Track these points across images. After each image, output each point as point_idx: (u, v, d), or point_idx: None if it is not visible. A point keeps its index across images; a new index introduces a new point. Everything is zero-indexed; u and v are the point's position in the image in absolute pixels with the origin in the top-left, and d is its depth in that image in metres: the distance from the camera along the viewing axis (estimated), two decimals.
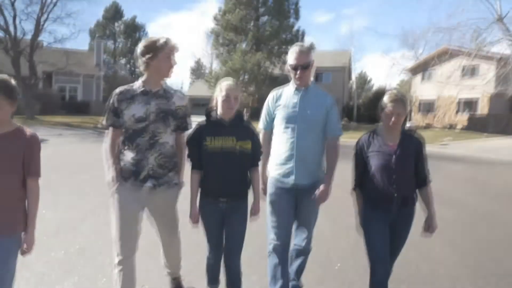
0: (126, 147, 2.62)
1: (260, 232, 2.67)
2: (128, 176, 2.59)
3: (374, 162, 2.56)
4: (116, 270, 2.55)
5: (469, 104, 28.59)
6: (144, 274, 3.21)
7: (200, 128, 2.67)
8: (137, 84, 2.65)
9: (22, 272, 3.25)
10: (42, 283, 3.17)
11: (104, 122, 2.68)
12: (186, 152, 2.75)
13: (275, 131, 2.88)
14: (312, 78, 2.87)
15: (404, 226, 2.62)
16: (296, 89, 2.83)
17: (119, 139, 2.65)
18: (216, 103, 2.68)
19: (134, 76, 41.42)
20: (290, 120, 2.77)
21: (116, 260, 2.56)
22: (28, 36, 23.90)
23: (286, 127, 2.77)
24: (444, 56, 18.38)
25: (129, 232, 2.57)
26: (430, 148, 17.03)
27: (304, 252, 2.91)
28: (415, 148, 2.58)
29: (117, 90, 2.67)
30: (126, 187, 2.59)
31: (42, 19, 23.88)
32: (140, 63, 2.62)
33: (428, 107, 32.28)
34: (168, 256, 2.89)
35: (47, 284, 3.16)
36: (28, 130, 2.27)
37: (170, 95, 2.68)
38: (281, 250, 2.75)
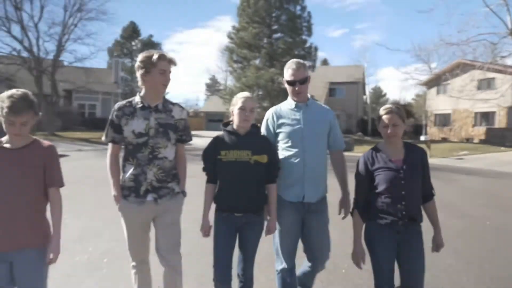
0: (127, 162, 2.63)
1: (268, 239, 2.74)
2: (128, 194, 2.60)
3: (381, 179, 2.45)
4: (133, 271, 2.77)
5: (486, 117, 28.30)
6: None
7: (216, 141, 2.65)
8: (136, 99, 2.65)
9: (50, 273, 3.54)
10: (69, 283, 3.45)
11: (103, 138, 2.71)
12: (187, 163, 2.78)
13: (279, 149, 2.78)
14: (309, 94, 2.87)
15: (417, 246, 2.47)
16: (296, 105, 2.81)
17: (121, 155, 2.69)
18: (233, 116, 2.65)
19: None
20: (295, 136, 2.73)
21: (132, 264, 2.77)
22: (50, 56, 24.95)
23: (292, 144, 2.74)
24: (458, 69, 18.40)
25: (138, 244, 2.72)
26: (445, 162, 17.01)
27: (318, 267, 2.89)
28: (420, 160, 2.50)
29: (116, 106, 2.67)
30: (129, 203, 2.60)
31: (64, 39, 24.89)
32: (138, 78, 2.63)
33: (444, 121, 32.05)
34: (168, 272, 2.64)
35: (73, 284, 3.43)
36: (45, 141, 2.31)
37: (169, 109, 2.68)
38: (289, 272, 2.76)
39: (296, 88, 2.76)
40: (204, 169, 2.68)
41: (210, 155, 2.63)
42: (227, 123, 2.70)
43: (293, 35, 30.77)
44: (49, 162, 2.24)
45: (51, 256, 2.21)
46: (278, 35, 31.67)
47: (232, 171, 2.53)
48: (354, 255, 2.54)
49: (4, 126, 2.12)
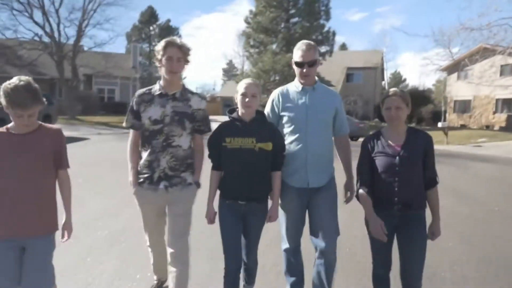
0: (143, 149, 2.68)
1: (272, 225, 2.75)
2: (143, 180, 2.66)
3: (378, 164, 2.45)
4: (149, 249, 2.97)
5: (508, 104, 27.61)
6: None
7: (221, 128, 2.63)
8: (156, 87, 2.69)
9: (74, 244, 3.86)
10: (91, 253, 3.76)
11: (124, 124, 2.77)
12: (205, 153, 2.75)
13: (285, 133, 2.74)
14: (316, 77, 2.82)
15: (413, 232, 2.44)
16: (303, 88, 2.76)
17: (140, 141, 2.73)
18: (237, 103, 2.62)
19: None
20: (299, 121, 2.70)
21: (147, 244, 2.94)
22: (71, 41, 25.44)
23: (296, 129, 2.70)
24: (478, 54, 18.00)
25: (151, 227, 2.83)
26: (462, 149, 16.82)
27: (329, 263, 2.64)
28: (422, 146, 2.44)
29: (137, 92, 2.73)
30: (143, 189, 2.66)
31: (83, 25, 25.32)
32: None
33: (464, 107, 31.42)
34: (171, 262, 2.64)
35: (96, 255, 3.73)
36: (51, 126, 2.32)
37: (187, 98, 2.68)
38: (293, 251, 2.82)
39: (304, 70, 2.70)
40: (209, 156, 2.68)
41: (214, 142, 2.61)
42: (233, 110, 2.67)
43: (311, 20, 30.47)
44: (58, 145, 2.27)
45: (66, 234, 2.31)
46: (296, 19, 31.42)
47: (236, 159, 2.52)
48: (374, 230, 2.38)
49: (11, 117, 2.12)
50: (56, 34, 24.62)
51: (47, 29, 24.38)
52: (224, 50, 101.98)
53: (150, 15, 55.73)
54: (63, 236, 2.33)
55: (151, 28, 56.25)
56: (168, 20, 58.19)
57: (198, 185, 2.75)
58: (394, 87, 2.72)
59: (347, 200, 2.85)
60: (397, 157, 2.41)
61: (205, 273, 3.40)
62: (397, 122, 2.46)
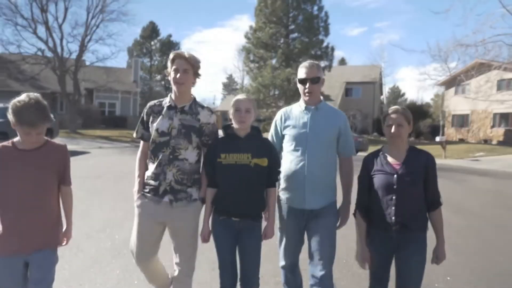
0: (150, 161, 2.66)
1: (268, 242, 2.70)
2: (148, 191, 2.63)
3: (375, 183, 2.42)
4: (140, 268, 2.82)
5: (506, 118, 27.89)
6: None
7: (215, 144, 2.61)
8: (167, 99, 2.70)
9: (78, 255, 3.96)
10: (95, 265, 3.85)
11: (134, 135, 2.79)
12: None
13: (284, 152, 2.75)
14: (321, 97, 2.81)
15: (412, 255, 2.37)
16: (306, 108, 2.74)
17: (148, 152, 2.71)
18: (231, 119, 2.61)
19: (168, 92, 43.52)
20: (300, 140, 2.67)
21: (136, 262, 2.78)
22: (73, 56, 25.78)
23: (296, 149, 2.67)
24: (473, 70, 18.30)
25: (144, 243, 2.68)
26: (460, 163, 16.94)
27: (322, 281, 2.54)
28: (423, 165, 2.38)
29: (149, 104, 2.76)
30: (147, 201, 2.63)
31: (86, 40, 25.67)
32: None
33: (461, 122, 31.68)
34: (175, 280, 2.66)
35: (99, 266, 3.83)
36: (56, 142, 2.33)
37: (196, 111, 2.66)
38: (289, 268, 2.82)
39: (307, 86, 2.69)
40: (204, 172, 2.64)
41: (209, 158, 2.58)
42: (228, 126, 2.65)
43: (310, 35, 30.92)
44: (62, 162, 2.29)
45: (64, 240, 2.36)
46: (295, 35, 31.88)
47: (231, 175, 2.47)
48: (358, 256, 2.53)
49: (18, 133, 2.14)
50: (59, 49, 24.93)
51: (50, 44, 24.70)
52: (224, 65, 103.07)
53: (151, 30, 56.50)
54: (61, 243, 2.35)
55: (152, 43, 57.02)
56: (169, 35, 58.98)
57: (203, 201, 2.68)
58: (392, 101, 2.82)
59: (339, 226, 2.76)
60: (395, 175, 2.36)
61: (206, 284, 3.49)
62: (398, 140, 2.42)
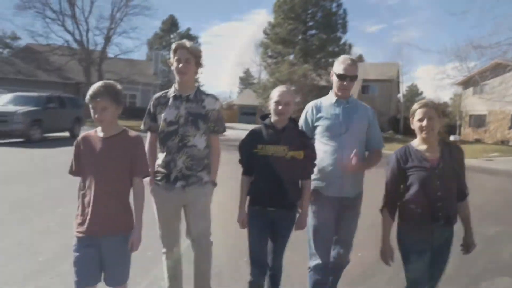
0: (160, 150, 2.72)
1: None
2: (160, 179, 2.69)
3: (415, 179, 2.32)
4: (163, 258, 2.85)
5: None
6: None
7: (253, 134, 2.65)
8: (171, 90, 2.73)
9: None
10: None
11: (142, 127, 2.81)
12: (220, 154, 2.83)
13: (316, 142, 2.76)
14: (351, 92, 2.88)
15: (447, 251, 2.41)
16: (337, 101, 2.80)
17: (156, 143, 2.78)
18: (270, 109, 2.64)
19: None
20: (334, 131, 2.71)
21: (162, 250, 2.85)
22: (98, 48, 26.76)
23: (330, 139, 2.72)
24: (492, 70, 18.37)
25: (167, 230, 2.77)
26: (473, 162, 16.99)
27: (342, 265, 2.86)
28: (456, 159, 2.38)
29: (154, 96, 2.79)
30: (160, 188, 2.69)
31: (110, 33, 26.62)
32: None
33: (479, 122, 31.50)
34: (196, 270, 2.79)
35: None
36: (132, 132, 2.35)
37: (201, 99, 2.71)
38: (323, 268, 2.75)
39: (345, 83, 2.73)
40: (240, 161, 2.70)
41: (246, 147, 2.63)
42: (265, 116, 2.69)
43: (328, 32, 31.18)
44: (134, 152, 2.29)
45: (132, 245, 2.26)
46: (313, 31, 32.16)
47: (267, 166, 2.51)
48: (383, 254, 2.48)
49: (92, 114, 2.23)
50: (84, 41, 25.91)
51: (77, 36, 25.71)
52: (241, 59, 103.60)
53: (171, 24, 57.28)
54: (130, 248, 2.27)
55: (171, 36, 57.83)
56: (188, 29, 59.72)
57: (214, 184, 2.80)
58: (410, 100, 2.61)
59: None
60: (437, 171, 2.31)
61: (237, 272, 3.48)
62: (430, 134, 2.35)
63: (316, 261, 2.75)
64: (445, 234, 2.39)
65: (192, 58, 2.64)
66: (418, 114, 2.38)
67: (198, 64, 2.71)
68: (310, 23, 31.96)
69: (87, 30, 26.09)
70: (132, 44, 71.36)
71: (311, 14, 31.80)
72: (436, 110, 2.37)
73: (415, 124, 2.41)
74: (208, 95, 2.80)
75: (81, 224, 2.24)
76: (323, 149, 2.72)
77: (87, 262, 2.22)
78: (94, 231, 2.21)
